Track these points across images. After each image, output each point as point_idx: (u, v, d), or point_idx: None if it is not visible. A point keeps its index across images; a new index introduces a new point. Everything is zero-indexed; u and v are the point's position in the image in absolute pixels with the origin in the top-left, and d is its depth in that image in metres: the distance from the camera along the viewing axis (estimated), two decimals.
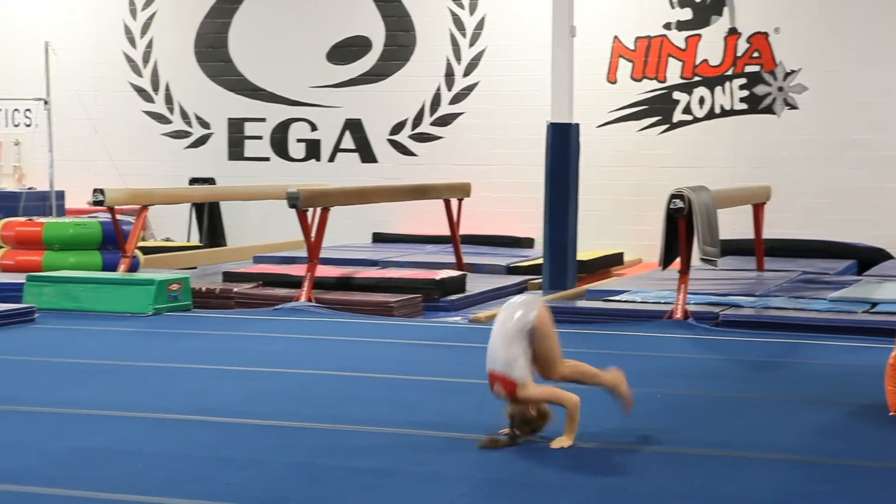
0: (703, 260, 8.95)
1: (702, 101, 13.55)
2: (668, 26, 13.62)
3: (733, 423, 5.55)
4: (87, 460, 4.74)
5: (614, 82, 13.77)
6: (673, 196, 8.76)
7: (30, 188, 14.07)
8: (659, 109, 13.67)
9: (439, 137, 14.50)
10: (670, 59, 13.61)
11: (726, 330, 8.40)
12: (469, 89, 14.37)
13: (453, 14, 14.38)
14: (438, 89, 14.47)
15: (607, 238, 13.49)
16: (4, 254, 10.96)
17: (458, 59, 14.39)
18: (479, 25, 14.28)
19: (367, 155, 14.77)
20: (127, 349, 7.74)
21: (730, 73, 13.46)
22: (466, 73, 14.37)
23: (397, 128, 14.65)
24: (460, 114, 14.41)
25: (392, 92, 14.61)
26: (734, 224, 12.07)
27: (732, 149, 13.44)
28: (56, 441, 5.07)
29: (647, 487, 4.41)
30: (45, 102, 13.67)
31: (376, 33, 14.69)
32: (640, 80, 13.72)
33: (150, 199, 11.44)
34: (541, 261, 11.08)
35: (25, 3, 15.98)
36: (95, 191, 10.46)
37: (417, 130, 14.59)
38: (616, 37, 13.74)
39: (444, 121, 14.47)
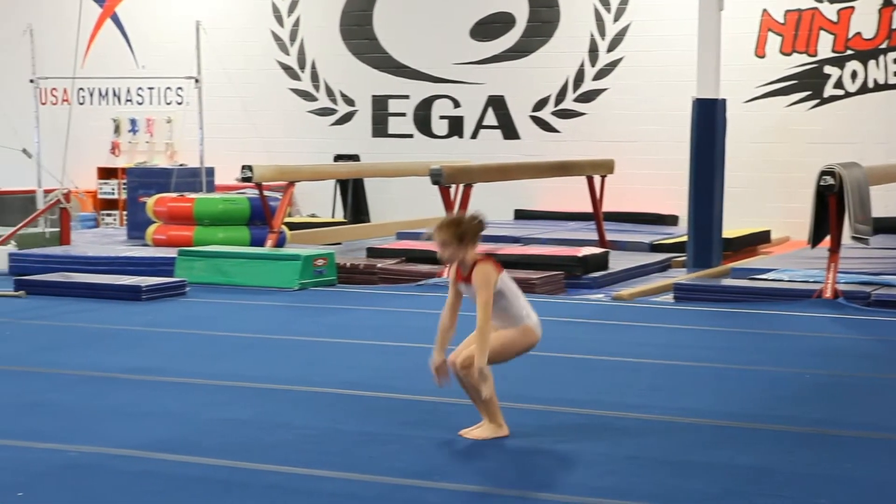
0: (854, 238, 8.74)
1: (854, 75, 13.18)
2: None
3: (885, 405, 5.42)
4: (237, 432, 4.85)
5: (762, 56, 13.48)
6: (823, 173, 8.57)
7: (181, 165, 14.41)
8: (809, 84, 13.34)
9: (582, 114, 14.39)
10: (821, 32, 13.26)
11: (878, 310, 8.19)
12: (613, 65, 14.22)
13: None
14: (582, 65, 14.36)
15: (754, 216, 13.24)
16: (157, 229, 11.27)
17: (602, 34, 14.25)
18: (624, 0, 14.11)
19: (510, 131, 14.75)
20: (274, 323, 7.90)
21: (884, 46, 13.05)
22: (610, 49, 14.22)
23: (540, 104, 14.59)
24: (604, 90, 14.27)
25: (535, 68, 14.55)
26: (887, 201, 11.74)
27: (886, 124, 13.04)
28: (207, 412, 5.20)
29: (796, 469, 4.32)
30: (196, 81, 13.98)
31: (520, 9, 14.63)
32: (789, 55, 13.41)
33: (297, 175, 11.63)
34: (685, 238, 10.95)
35: None
36: (244, 167, 10.66)
37: (560, 107, 14.50)
38: (765, 10, 13.44)
39: (588, 97, 14.36)
